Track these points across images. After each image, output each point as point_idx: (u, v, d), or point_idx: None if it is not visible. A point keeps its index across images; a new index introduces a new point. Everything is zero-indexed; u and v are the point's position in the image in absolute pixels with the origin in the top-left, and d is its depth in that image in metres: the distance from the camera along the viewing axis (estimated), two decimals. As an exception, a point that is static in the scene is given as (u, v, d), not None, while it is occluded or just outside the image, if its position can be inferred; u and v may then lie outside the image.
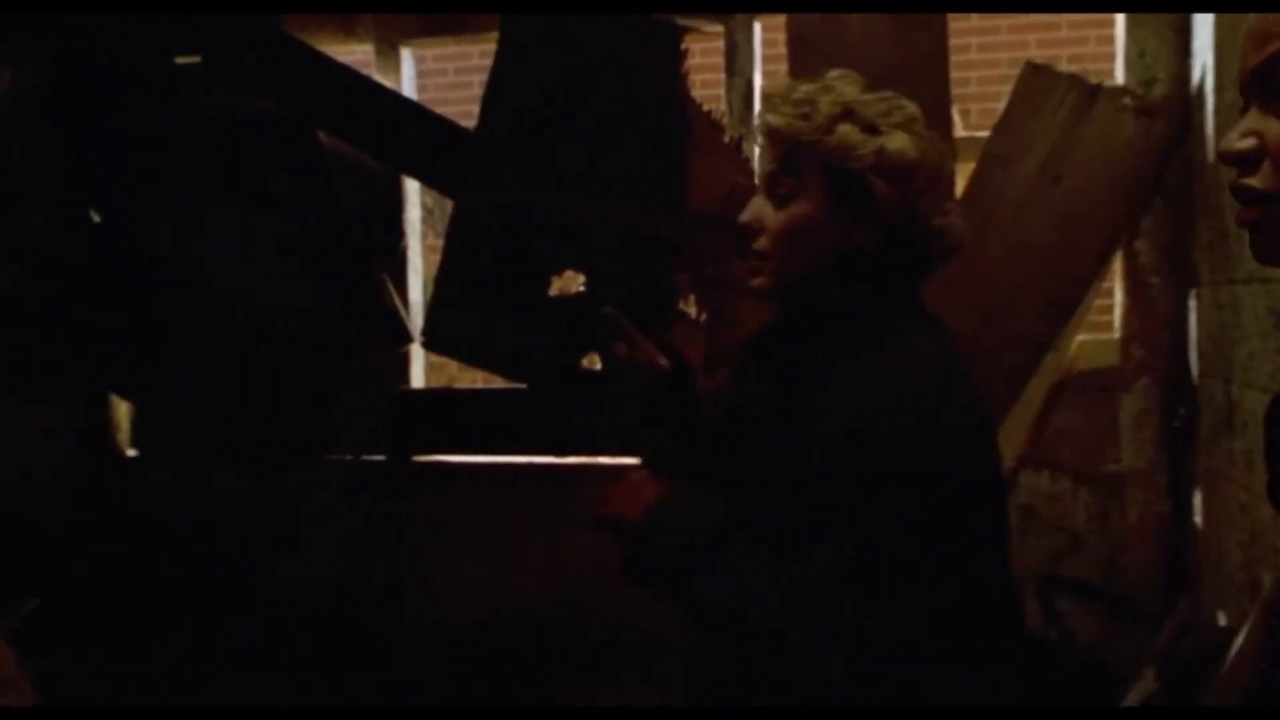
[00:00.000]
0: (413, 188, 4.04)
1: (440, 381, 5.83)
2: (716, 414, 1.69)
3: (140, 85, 3.89)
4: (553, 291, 3.62)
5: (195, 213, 3.73)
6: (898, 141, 1.44)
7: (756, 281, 1.52)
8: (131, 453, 4.46)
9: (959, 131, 3.89)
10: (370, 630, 3.83)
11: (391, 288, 3.89)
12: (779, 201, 1.49)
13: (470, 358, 3.93)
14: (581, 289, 3.64)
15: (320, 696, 3.44)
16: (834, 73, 1.51)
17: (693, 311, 3.58)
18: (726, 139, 3.50)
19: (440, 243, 3.70)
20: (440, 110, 3.67)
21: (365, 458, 3.92)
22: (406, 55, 4.01)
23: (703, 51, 4.88)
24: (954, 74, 3.19)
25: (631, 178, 3.41)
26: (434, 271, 3.72)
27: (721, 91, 3.71)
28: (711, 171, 3.43)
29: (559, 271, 3.61)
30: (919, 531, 1.31)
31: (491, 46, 3.52)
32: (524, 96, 3.46)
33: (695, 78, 3.55)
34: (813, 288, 1.49)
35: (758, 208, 1.51)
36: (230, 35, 3.66)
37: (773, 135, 1.48)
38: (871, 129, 1.44)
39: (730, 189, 3.39)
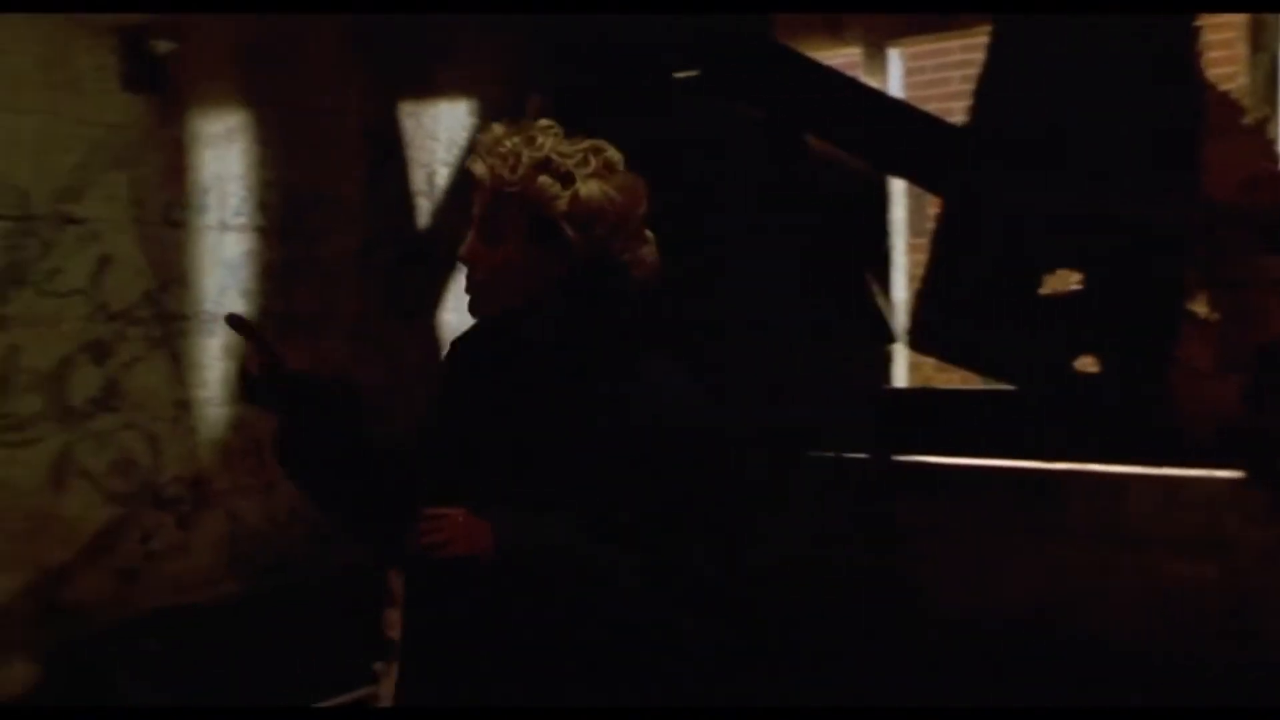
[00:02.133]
0: (897, 187, 4.03)
1: (915, 381, 5.77)
2: (432, 424, 1.73)
3: (638, 101, 4.18)
4: (1044, 290, 3.48)
5: (690, 219, 3.94)
6: (589, 189, 1.55)
7: (476, 310, 1.64)
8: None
9: None
10: (840, 626, 3.86)
11: (876, 286, 3.91)
12: (488, 240, 1.60)
13: (956, 358, 3.86)
14: (1076, 288, 3.46)
15: (774, 689, 3.50)
16: (541, 122, 1.61)
17: (1203, 311, 3.30)
18: (1247, 121, 3.18)
19: (921, 241, 3.66)
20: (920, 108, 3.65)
21: (847, 455, 3.96)
22: (894, 55, 4.01)
23: (1214, 27, 4.48)
24: None
25: (1137, 168, 3.20)
26: (917, 270, 3.69)
27: (1243, 69, 3.39)
28: (1230, 158, 3.13)
29: (1052, 270, 3.46)
30: (724, 502, 1.59)
31: (972, 41, 3.44)
32: (1019, 90, 3.35)
33: (1211, 55, 3.27)
34: (520, 315, 1.61)
35: (471, 244, 1.61)
36: (724, 47, 3.84)
37: (479, 184, 1.59)
38: (567, 178, 1.55)
39: (1252, 176, 3.09)
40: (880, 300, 3.92)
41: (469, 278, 1.64)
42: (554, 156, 1.57)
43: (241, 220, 3.49)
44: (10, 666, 3.00)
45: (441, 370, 1.78)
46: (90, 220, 3.11)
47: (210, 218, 3.40)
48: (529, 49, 4.28)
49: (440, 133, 4.12)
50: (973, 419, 3.79)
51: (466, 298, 1.65)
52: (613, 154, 1.63)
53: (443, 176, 4.13)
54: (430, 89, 4.09)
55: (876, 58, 3.98)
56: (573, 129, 1.63)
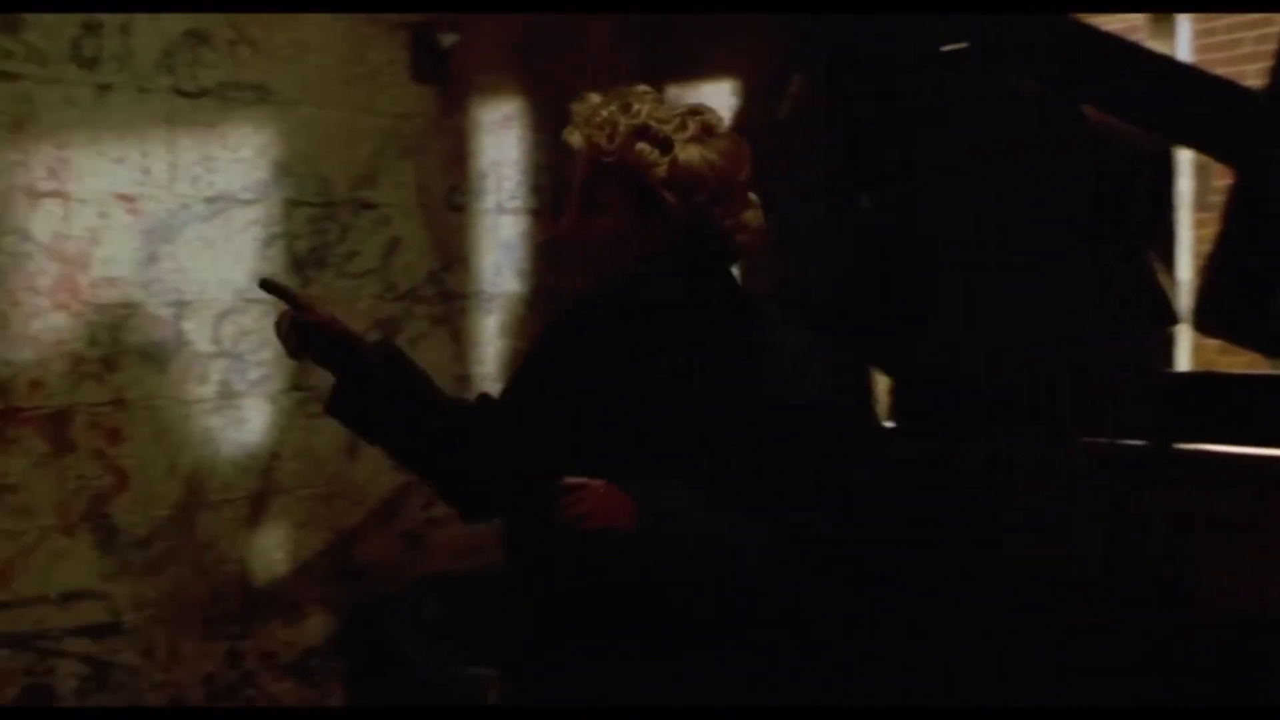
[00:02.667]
0: (1183, 158, 3.80)
1: (1198, 364, 5.42)
2: (521, 394, 1.72)
3: (907, 73, 4.09)
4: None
5: (960, 194, 3.84)
6: (688, 154, 1.53)
7: (577, 284, 1.64)
8: (888, 424, 4.73)
9: None
10: (1106, 620, 3.69)
11: (1158, 264, 3.70)
12: (587, 212, 1.58)
13: (1243, 340, 3.61)
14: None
15: (1021, 685, 3.38)
16: (638, 88, 1.59)
17: None
18: None
19: (1209, 216, 3.44)
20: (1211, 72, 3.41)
21: (1123, 442, 3.78)
22: (1182, 17, 3.77)
23: None
24: None
25: None
26: (1203, 246, 3.47)
27: None
28: None
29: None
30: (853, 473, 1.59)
31: None
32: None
33: None
34: (632, 286, 1.59)
35: (571, 218, 1.59)
36: (1000, 17, 3.70)
37: (576, 155, 1.57)
38: (666, 144, 1.53)
39: None
40: (1162, 279, 3.71)
41: (568, 252, 1.61)
42: (651, 123, 1.54)
43: (516, 203, 3.64)
44: (309, 619, 3.26)
45: (545, 343, 1.77)
46: (382, 205, 3.32)
47: (488, 201, 3.57)
48: (793, 27, 4.27)
49: (705, 114, 4.17)
50: (1260, 406, 3.55)
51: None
52: (711, 117, 1.60)
53: (706, 158, 4.18)
54: (694, 71, 4.14)
55: (1163, 20, 3.75)
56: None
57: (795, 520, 1.53)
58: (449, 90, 3.46)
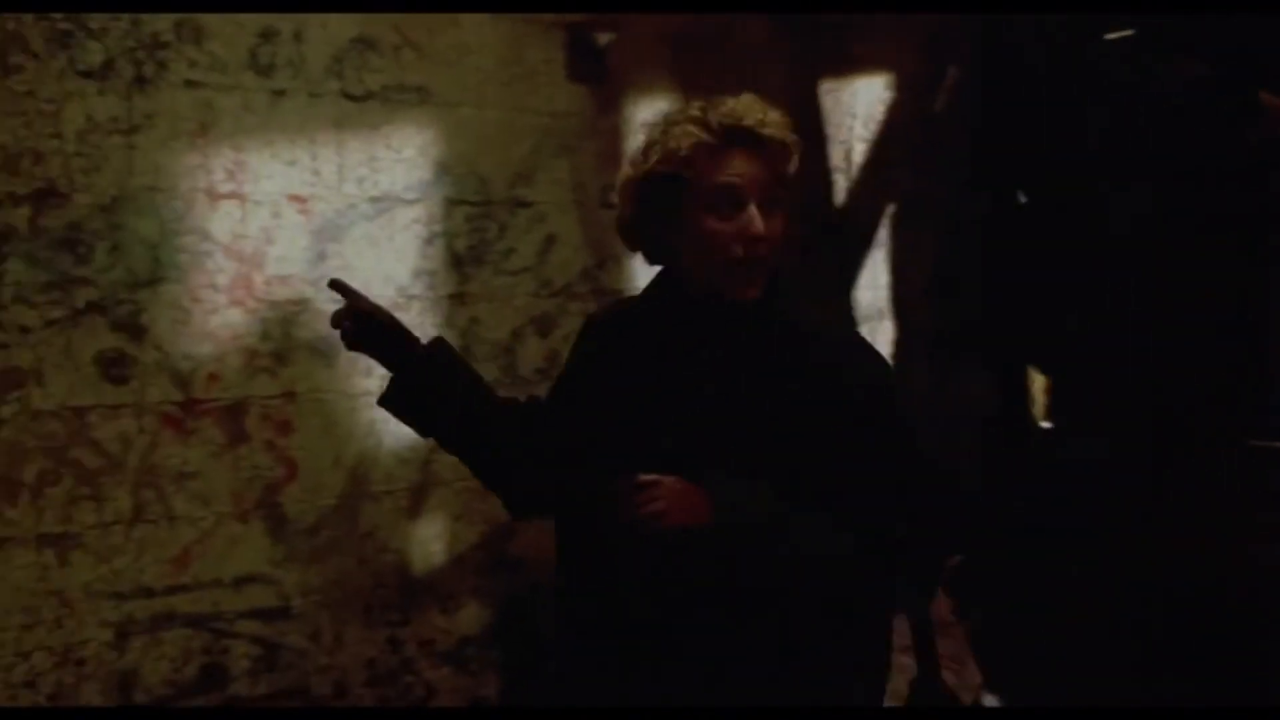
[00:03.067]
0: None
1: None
2: (575, 396, 1.71)
3: (1066, 68, 3.97)
4: None
5: (1126, 186, 3.71)
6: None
7: (752, 292, 1.56)
8: (1045, 425, 4.60)
9: None
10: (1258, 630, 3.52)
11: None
12: (769, 209, 1.53)
13: None
14: None
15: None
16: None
17: None
18: None
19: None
20: None
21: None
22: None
23: None
24: None
25: None
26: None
27: None
28: None
29: None
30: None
31: None
32: None
33: None
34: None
35: (760, 219, 1.52)
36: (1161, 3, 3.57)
37: (773, 146, 1.53)
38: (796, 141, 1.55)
39: None
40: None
41: (763, 259, 1.55)
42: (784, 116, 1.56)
43: (670, 201, 3.65)
44: (465, 609, 3.33)
45: (596, 345, 1.75)
46: (538, 203, 3.38)
47: (641, 199, 3.59)
48: (947, 19, 4.18)
49: (858, 108, 4.12)
50: None
51: (740, 281, 1.55)
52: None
53: (859, 152, 4.13)
54: (849, 65, 4.10)
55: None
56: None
57: (874, 520, 1.54)
58: (604, 89, 3.49)
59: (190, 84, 2.79)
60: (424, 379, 1.74)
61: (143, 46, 2.73)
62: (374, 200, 3.10)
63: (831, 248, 4.08)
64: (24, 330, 2.61)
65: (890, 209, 4.28)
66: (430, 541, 3.26)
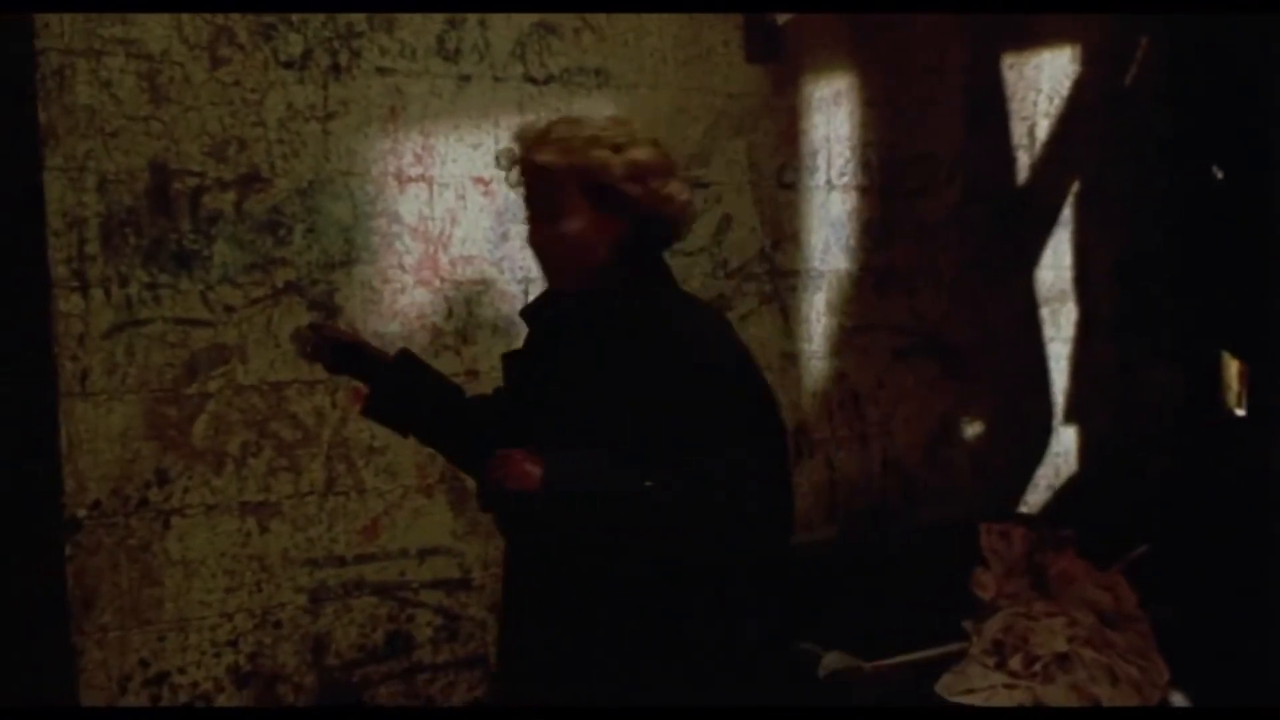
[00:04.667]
0: None
1: None
2: (513, 380, 1.93)
3: (1262, 39, 3.78)
4: None
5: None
6: (642, 153, 1.75)
7: (560, 282, 1.83)
8: (1239, 412, 4.40)
9: None
10: None
11: None
12: (551, 220, 1.77)
13: None
14: None
15: None
16: (571, 115, 1.89)
17: None
18: None
19: None
20: None
21: None
22: None
23: None
24: None
25: None
26: None
27: None
28: None
29: None
30: (763, 427, 1.74)
31: None
32: None
33: None
34: (596, 277, 1.78)
35: (538, 229, 1.80)
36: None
37: (533, 167, 1.76)
38: (617, 147, 1.74)
39: None
40: None
41: (550, 258, 1.81)
42: (601, 133, 1.76)
43: (846, 180, 3.61)
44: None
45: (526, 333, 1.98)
46: (714, 183, 3.38)
47: (818, 179, 3.56)
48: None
49: (1042, 83, 3.99)
50: None
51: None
52: (634, 126, 1.81)
53: (1043, 129, 4.00)
54: (1033, 38, 3.97)
55: None
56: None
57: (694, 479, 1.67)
58: (781, 68, 3.46)
59: (381, 71, 2.89)
60: (396, 385, 2.00)
61: (338, 36, 2.84)
62: (554, 182, 3.15)
63: (1012, 226, 3.97)
64: (229, 309, 2.75)
65: (1075, 186, 4.14)
66: (606, 519, 3.30)
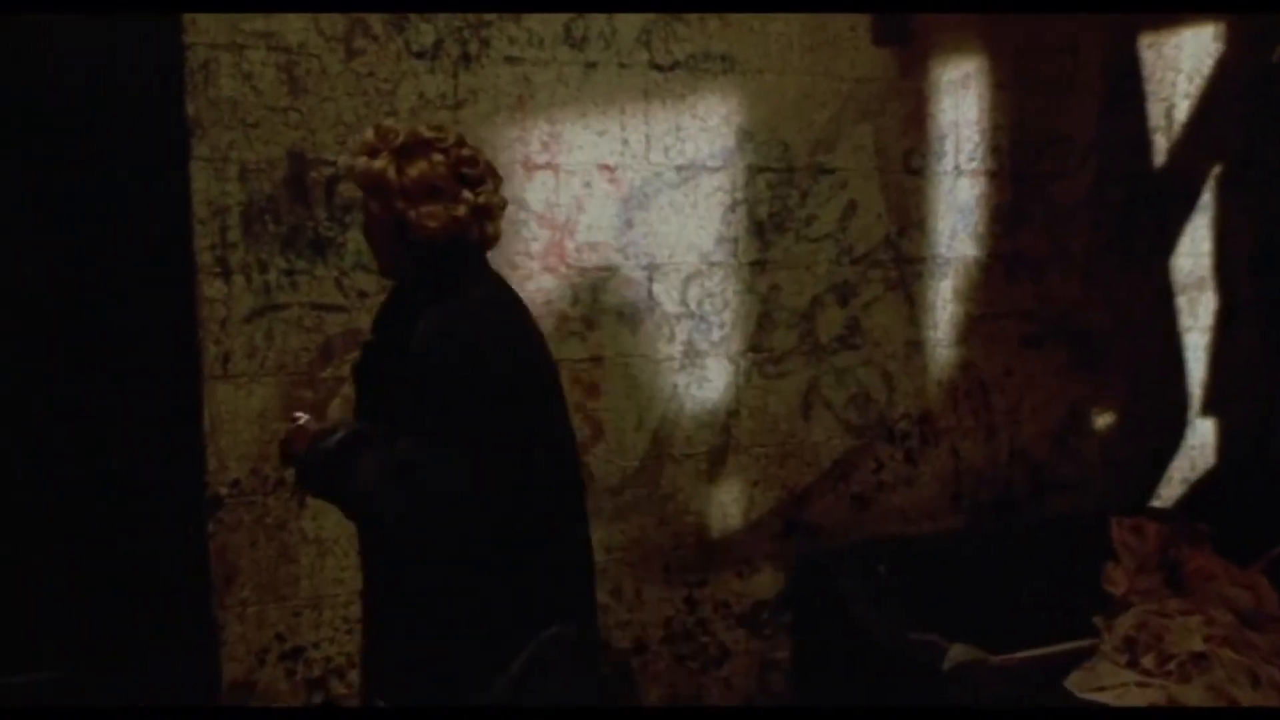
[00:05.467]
0: None
1: None
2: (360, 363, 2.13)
3: None
4: None
5: None
6: (416, 168, 1.95)
7: (385, 274, 2.09)
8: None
9: None
10: None
11: None
12: (370, 224, 2.02)
13: None
14: None
15: None
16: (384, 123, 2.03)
17: None
18: None
19: None
20: None
21: None
22: None
23: None
24: None
25: None
26: None
27: None
28: None
29: None
30: (481, 418, 1.83)
31: None
32: None
33: None
34: (407, 268, 2.02)
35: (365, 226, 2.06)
36: None
37: (358, 179, 2.00)
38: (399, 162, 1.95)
39: None
40: None
41: (378, 256, 2.05)
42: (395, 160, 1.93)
43: (974, 165, 3.54)
44: (760, 573, 3.37)
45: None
46: (840, 169, 3.34)
47: (945, 163, 3.49)
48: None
49: (1182, 62, 3.85)
50: None
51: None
52: (424, 132, 1.98)
53: (1182, 110, 3.86)
54: (1172, 18, 3.83)
55: None
56: None
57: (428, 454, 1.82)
58: (908, 52, 3.40)
59: (509, 60, 2.93)
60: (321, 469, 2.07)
61: (468, 26, 2.88)
62: (679, 169, 3.16)
63: (1149, 211, 3.84)
64: (362, 295, 2.82)
65: (1215, 170, 3.98)
66: (728, 505, 3.31)
